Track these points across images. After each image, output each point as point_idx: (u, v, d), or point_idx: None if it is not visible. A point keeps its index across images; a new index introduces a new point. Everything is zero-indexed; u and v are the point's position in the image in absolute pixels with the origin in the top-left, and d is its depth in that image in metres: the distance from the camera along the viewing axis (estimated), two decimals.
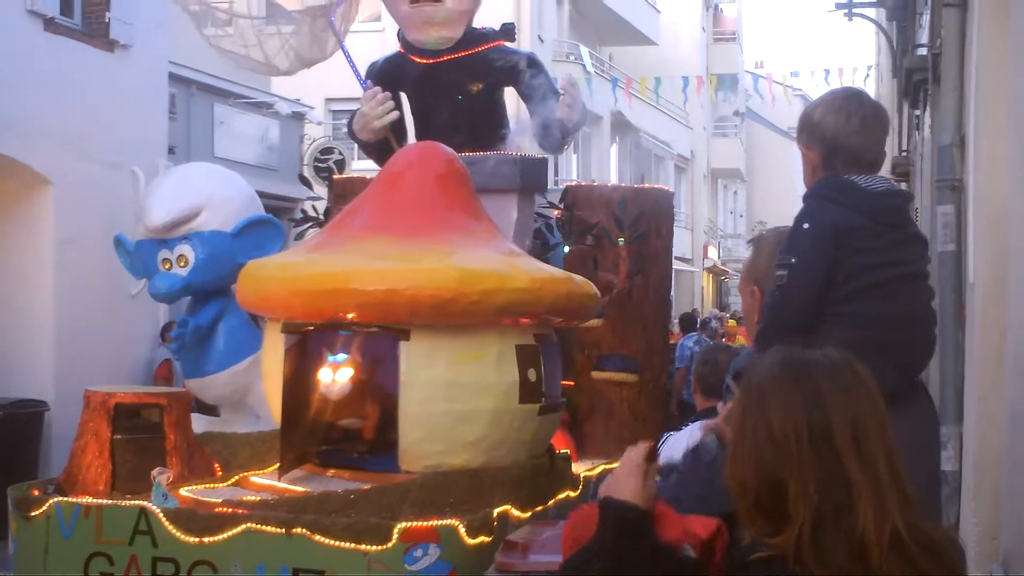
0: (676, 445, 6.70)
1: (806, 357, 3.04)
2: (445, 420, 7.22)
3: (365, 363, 7.54)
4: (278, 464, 7.67)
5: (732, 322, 33.17)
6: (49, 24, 14.27)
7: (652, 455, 3.34)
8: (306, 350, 7.57)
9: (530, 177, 8.84)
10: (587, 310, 8.01)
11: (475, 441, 7.30)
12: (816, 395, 2.94)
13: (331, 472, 7.66)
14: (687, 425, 5.29)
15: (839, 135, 5.07)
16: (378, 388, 7.60)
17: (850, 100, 5.22)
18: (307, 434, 7.68)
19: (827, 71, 34.43)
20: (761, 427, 2.96)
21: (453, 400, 7.21)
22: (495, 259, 7.35)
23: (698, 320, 25.23)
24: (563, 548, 3.39)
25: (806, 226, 4.94)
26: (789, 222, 5.20)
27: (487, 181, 8.39)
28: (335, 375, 7.40)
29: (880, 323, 4.87)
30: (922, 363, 5.27)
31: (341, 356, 7.35)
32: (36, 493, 7.90)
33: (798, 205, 5.12)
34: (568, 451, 8.61)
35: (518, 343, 7.37)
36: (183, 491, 7.54)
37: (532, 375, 7.39)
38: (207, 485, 7.78)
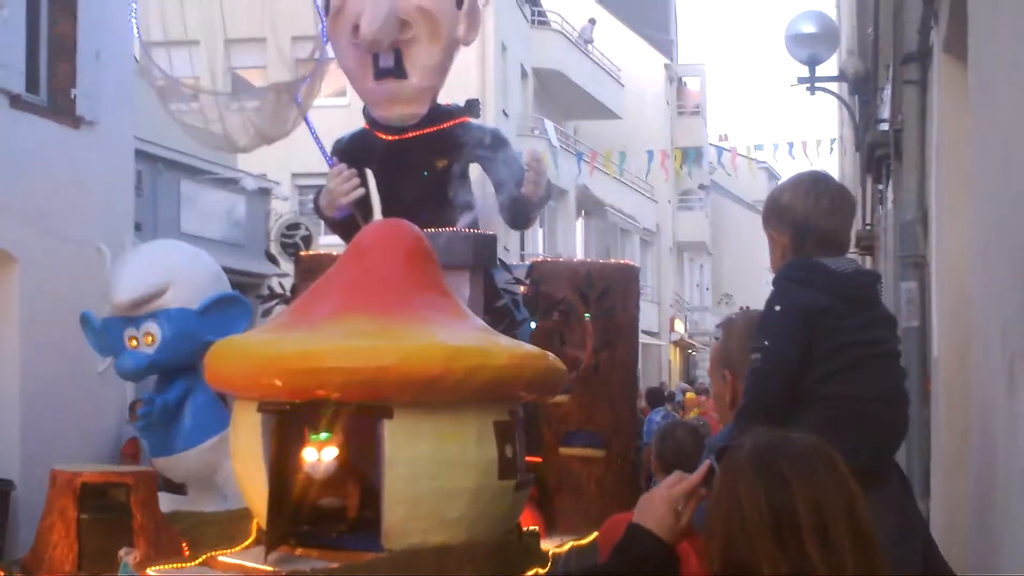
0: None
1: (774, 443, 3.07)
2: (430, 498, 7.20)
3: (346, 442, 7.51)
4: (249, 542, 7.62)
5: (691, 394, 33.19)
6: (15, 101, 14.31)
7: (707, 480, 3.33)
8: (283, 429, 7.54)
9: (482, 253, 8.87)
10: (559, 386, 8.03)
11: (458, 518, 7.27)
12: (782, 482, 2.97)
13: (299, 551, 7.61)
14: None
15: (809, 217, 5.15)
16: (355, 466, 7.56)
17: (817, 183, 5.32)
18: (292, 514, 7.64)
19: (791, 144, 34.63)
20: (733, 513, 2.99)
21: (437, 477, 7.19)
22: (476, 336, 7.37)
23: (665, 393, 25.31)
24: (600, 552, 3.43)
25: (778, 308, 5.02)
26: (755, 294, 5.36)
27: (440, 258, 8.40)
28: (320, 454, 7.36)
29: (854, 404, 4.91)
30: (896, 443, 5.32)
31: (324, 435, 7.31)
32: (2, 574, 7.83)
33: (763, 278, 5.37)
34: (537, 528, 8.59)
35: (495, 420, 7.37)
36: (150, 571, 7.48)
37: (509, 451, 7.39)
38: (174, 565, 7.73)
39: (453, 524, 7.26)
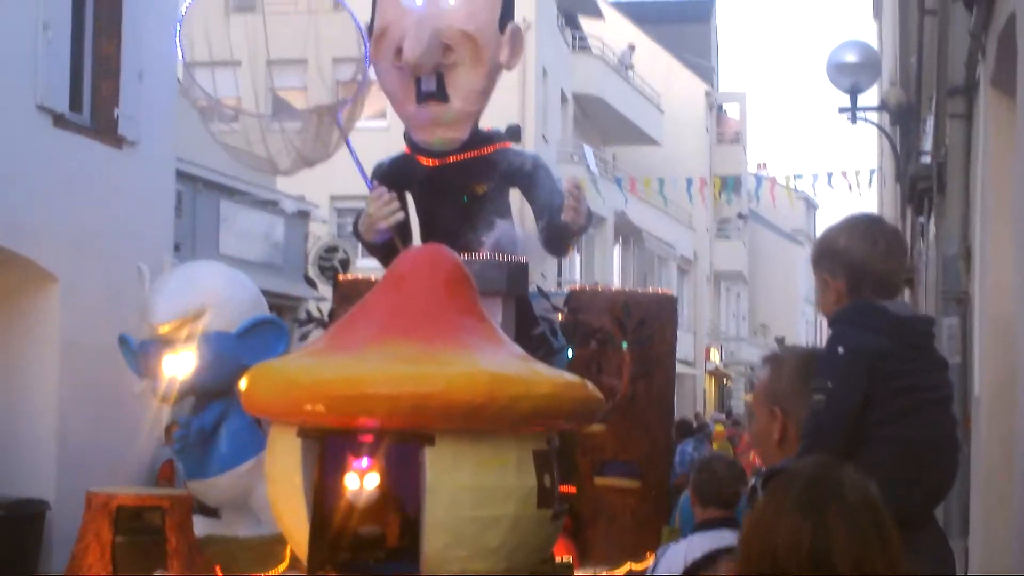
0: (674, 558, 6.66)
1: (829, 484, 3.03)
2: (471, 526, 7.17)
3: (386, 469, 7.47)
4: (283, 568, 7.60)
5: (720, 427, 33.03)
6: (58, 120, 14.37)
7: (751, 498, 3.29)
8: (325, 455, 7.50)
9: (515, 281, 8.84)
10: (597, 415, 8.00)
11: (497, 547, 7.24)
12: (826, 530, 2.93)
13: None
14: (686, 537, 5.29)
15: (866, 262, 5.18)
16: (393, 494, 7.52)
17: (872, 226, 5.36)
18: (332, 541, 7.60)
19: (830, 174, 34.55)
20: (769, 540, 2.96)
21: (478, 506, 7.15)
22: (518, 364, 7.34)
23: (694, 424, 25.15)
24: None
25: (841, 350, 5.03)
26: (791, 325, 5.48)
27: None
28: (362, 481, 7.31)
29: (912, 448, 4.96)
30: (947, 491, 5.33)
31: (366, 462, 7.25)
32: None
33: (799, 308, 5.58)
34: (570, 558, 8.55)
35: (535, 448, 7.34)
36: None
37: (547, 480, 7.36)
38: None
39: (492, 553, 7.22)
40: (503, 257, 8.83)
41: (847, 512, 2.98)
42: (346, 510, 7.39)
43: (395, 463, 7.33)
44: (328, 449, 7.46)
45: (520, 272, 8.98)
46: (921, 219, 13.89)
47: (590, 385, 7.76)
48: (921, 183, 12.07)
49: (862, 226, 5.35)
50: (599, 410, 7.93)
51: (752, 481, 4.82)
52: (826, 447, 4.83)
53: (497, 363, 7.23)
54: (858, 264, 5.19)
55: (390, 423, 7.12)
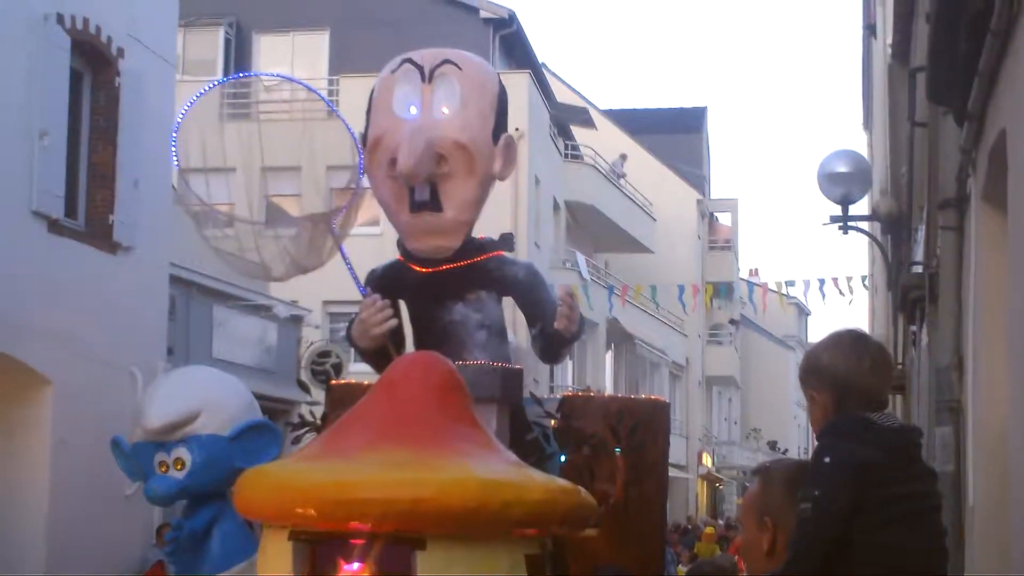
0: None
1: None
2: None
3: (377, 572, 7.46)
4: None
5: (710, 529, 33.24)
6: (53, 226, 14.46)
7: None
8: (315, 558, 7.50)
9: (510, 388, 8.83)
10: (590, 520, 7.98)
11: None
12: None
13: None
14: None
15: (850, 377, 5.29)
16: None
17: (857, 342, 5.45)
18: None
19: (822, 281, 34.65)
20: None
21: None
22: (510, 470, 7.34)
23: (689, 527, 25.22)
24: None
25: (827, 460, 5.11)
26: (782, 429, 5.69)
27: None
28: None
29: (904, 554, 5.03)
30: None
31: (356, 565, 7.26)
32: None
33: (791, 412, 5.87)
34: None
35: (527, 552, 7.33)
36: None
37: None
38: None
39: None
40: (498, 364, 8.86)
41: None
42: None
43: (387, 567, 7.32)
44: (319, 553, 7.46)
45: (515, 379, 8.99)
46: (913, 328, 13.94)
47: (583, 491, 7.76)
48: (913, 292, 12.12)
49: (847, 342, 5.46)
50: (592, 515, 7.93)
51: None
52: (813, 554, 5.00)
53: (489, 469, 7.23)
54: (843, 380, 5.29)
55: (382, 527, 7.11)
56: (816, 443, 5.35)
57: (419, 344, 9.32)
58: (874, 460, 5.08)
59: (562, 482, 7.68)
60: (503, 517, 7.05)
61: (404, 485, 7.00)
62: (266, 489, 7.58)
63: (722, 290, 50.18)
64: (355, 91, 18.91)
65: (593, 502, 7.84)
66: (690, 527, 28.96)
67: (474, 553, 7.17)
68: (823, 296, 34.62)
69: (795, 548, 5.10)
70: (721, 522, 42.34)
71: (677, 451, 49.73)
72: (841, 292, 33.70)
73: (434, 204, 9.17)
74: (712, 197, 68.75)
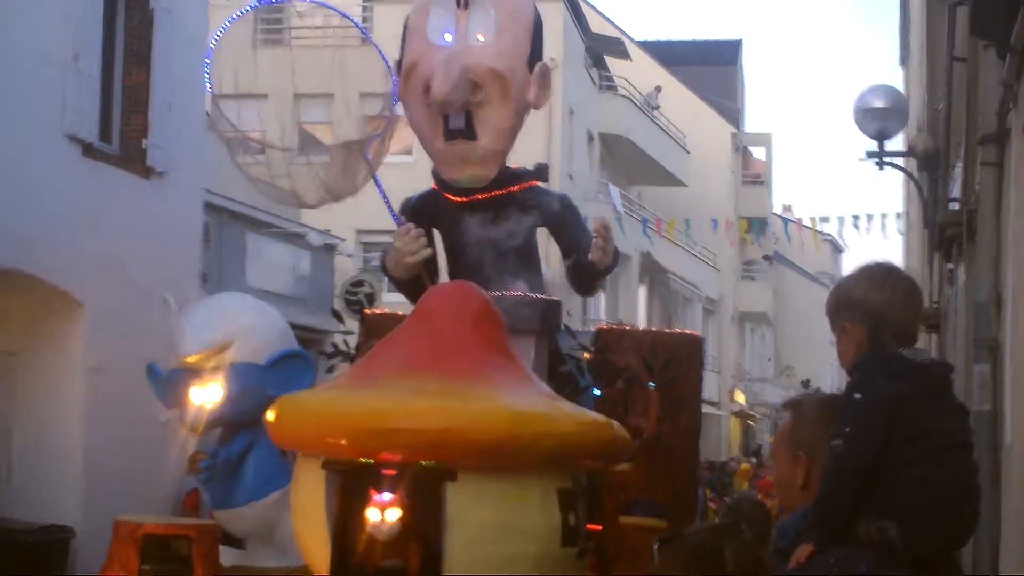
0: None
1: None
2: (492, 563, 7.14)
3: (408, 503, 7.46)
4: None
5: (746, 466, 33.29)
6: (87, 150, 14.43)
7: None
8: (347, 488, 7.50)
9: (548, 318, 8.80)
10: (623, 455, 7.98)
11: None
12: None
13: None
14: None
15: (885, 309, 5.29)
16: (417, 528, 7.50)
17: (890, 274, 5.46)
18: (353, 574, 7.59)
19: (856, 217, 34.46)
20: None
21: (500, 543, 7.13)
22: (542, 402, 7.33)
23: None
24: None
25: (858, 396, 5.15)
26: (816, 366, 5.73)
27: (506, 321, 8.38)
28: (384, 515, 7.31)
29: (932, 490, 5.03)
30: (965, 537, 5.43)
31: (388, 495, 7.26)
32: None
33: (825, 350, 5.93)
34: None
35: (559, 487, 7.32)
36: None
37: (572, 519, 7.33)
38: None
39: None
40: (536, 295, 8.83)
41: None
42: (367, 543, 7.38)
43: (419, 498, 7.32)
44: (351, 482, 7.47)
45: (553, 310, 8.96)
46: (949, 265, 13.85)
47: (616, 425, 7.74)
48: (950, 230, 12.03)
49: (879, 275, 5.45)
50: (625, 450, 7.92)
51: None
52: (845, 489, 5.07)
53: (520, 400, 7.22)
54: (877, 312, 5.29)
55: (411, 458, 7.12)
56: (847, 379, 5.34)
57: (453, 273, 9.31)
58: (904, 395, 5.11)
59: (594, 415, 7.67)
60: (533, 449, 7.04)
61: (434, 415, 6.99)
62: (297, 418, 7.60)
63: (755, 225, 49.91)
64: (389, 17, 18.84)
65: (626, 436, 7.83)
66: (723, 462, 29.07)
67: (505, 485, 7.17)
68: (858, 233, 34.45)
69: (827, 483, 5.15)
70: (754, 460, 42.39)
71: (710, 387, 49.64)
72: (873, 230, 33.49)
73: (469, 132, 9.13)
74: (746, 131, 68.46)
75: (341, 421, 7.25)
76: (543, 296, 8.90)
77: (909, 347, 5.34)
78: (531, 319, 8.57)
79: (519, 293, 8.82)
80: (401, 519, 7.28)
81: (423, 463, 7.16)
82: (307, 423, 7.51)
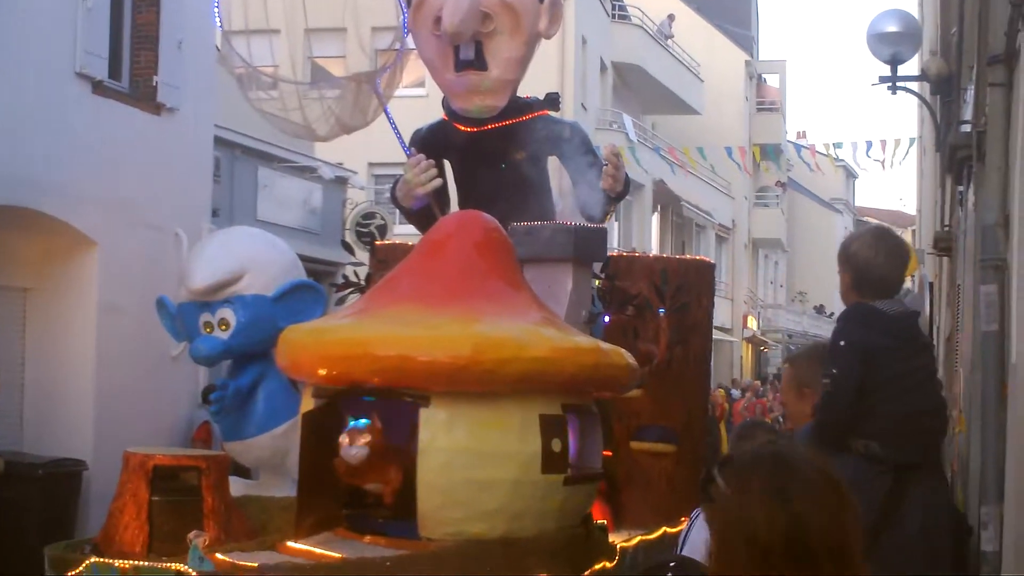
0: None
1: (789, 466, 3.04)
2: (464, 488, 7.21)
3: (387, 429, 7.54)
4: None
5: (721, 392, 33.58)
6: (97, 87, 14.42)
7: (705, 491, 3.31)
8: (335, 415, 7.59)
9: (586, 247, 8.73)
10: (618, 381, 7.96)
11: (495, 510, 7.27)
12: (798, 512, 2.95)
13: (368, 538, 7.64)
14: None
15: (868, 266, 6.77)
16: (402, 454, 7.58)
17: (879, 238, 7.02)
18: (325, 499, 7.68)
19: (869, 143, 34.26)
20: (744, 539, 2.96)
21: (472, 468, 7.20)
22: (517, 328, 7.33)
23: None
24: None
25: (842, 343, 6.67)
26: (828, 292, 7.42)
27: (543, 250, 8.39)
28: (353, 440, 7.41)
29: (906, 417, 6.54)
30: (939, 442, 7.14)
31: (362, 421, 7.36)
32: (73, 553, 7.93)
33: (836, 277, 7.04)
34: (605, 521, 8.57)
35: (542, 412, 7.35)
36: (219, 554, 7.53)
37: (556, 445, 7.35)
38: (244, 549, 7.77)
39: (490, 516, 7.25)
40: (571, 223, 8.78)
41: (813, 490, 3.00)
42: (338, 468, 7.47)
43: (399, 424, 7.40)
44: (325, 409, 7.59)
45: (593, 237, 8.88)
46: (960, 188, 13.83)
47: (607, 350, 7.76)
48: (960, 152, 11.98)
49: (869, 236, 7.07)
50: (620, 377, 7.92)
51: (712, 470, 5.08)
52: (834, 419, 6.59)
53: (493, 326, 7.26)
54: (861, 266, 6.76)
55: (385, 384, 7.24)
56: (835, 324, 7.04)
57: (464, 204, 9.34)
58: (878, 346, 6.55)
59: (579, 340, 7.66)
60: (499, 374, 7.09)
61: (395, 342, 7.12)
62: (291, 346, 7.74)
63: (769, 151, 49.76)
64: None
65: (622, 362, 7.84)
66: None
67: (480, 411, 7.23)
68: (871, 158, 34.30)
69: (822, 412, 6.69)
70: (762, 384, 42.51)
71: (722, 314, 49.73)
72: (886, 155, 33.34)
73: (479, 62, 9.15)
74: (760, 59, 68.12)
75: (319, 349, 7.45)
76: (587, 224, 8.87)
77: (889, 297, 6.77)
78: (566, 247, 8.53)
79: (557, 222, 8.82)
80: (378, 445, 7.38)
81: (398, 389, 7.27)
82: (297, 352, 7.66)
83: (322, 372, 7.51)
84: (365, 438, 7.36)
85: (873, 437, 6.54)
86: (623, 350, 7.97)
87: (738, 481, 3.06)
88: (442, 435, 7.22)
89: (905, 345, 6.65)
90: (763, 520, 2.95)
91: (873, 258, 6.74)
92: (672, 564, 3.67)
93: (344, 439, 7.39)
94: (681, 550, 6.00)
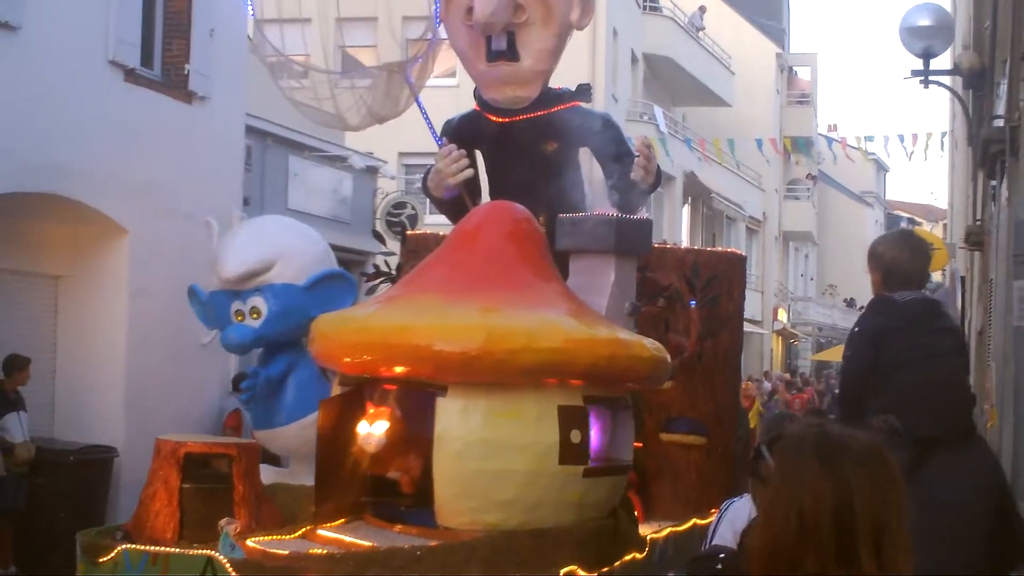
0: (738, 513, 6.71)
1: (837, 440, 3.05)
2: (478, 478, 7.23)
3: (407, 417, 7.56)
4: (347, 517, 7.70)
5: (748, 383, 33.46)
6: (129, 75, 14.44)
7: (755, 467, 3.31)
8: (358, 403, 7.62)
9: (628, 239, 8.69)
10: (638, 373, 7.93)
11: (509, 501, 7.28)
12: (846, 485, 2.96)
13: (398, 527, 7.66)
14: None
15: (895, 264, 7.22)
16: (422, 442, 7.60)
17: (903, 240, 7.59)
18: (344, 486, 7.71)
19: (901, 136, 34.16)
20: (792, 513, 2.97)
21: (486, 458, 7.21)
22: (534, 318, 7.33)
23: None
24: None
25: (856, 329, 7.41)
26: (858, 285, 7.75)
27: (587, 242, 8.39)
28: (371, 428, 7.44)
29: (923, 389, 6.95)
30: (960, 413, 7.21)
31: (377, 409, 7.41)
32: (105, 539, 7.97)
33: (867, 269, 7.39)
34: (635, 512, 8.57)
35: (561, 404, 7.34)
36: (250, 542, 7.56)
37: (576, 436, 7.34)
38: (274, 536, 7.80)
39: (505, 506, 7.25)
40: (613, 214, 8.74)
41: (862, 465, 3.01)
42: (356, 456, 7.50)
43: (424, 413, 7.42)
44: (347, 398, 7.63)
45: (637, 229, 8.84)
46: (993, 182, 13.78)
47: (627, 341, 7.74)
48: (993, 146, 11.94)
49: (895, 237, 7.79)
50: (641, 368, 7.89)
51: (759, 446, 5.61)
52: (850, 393, 7.31)
53: (508, 317, 7.27)
54: (889, 265, 7.22)
55: (396, 372, 7.28)
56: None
57: (495, 194, 9.33)
58: (886, 328, 7.08)
59: (598, 332, 7.64)
60: (510, 365, 7.10)
61: (409, 332, 7.14)
62: (320, 335, 7.77)
63: (800, 144, 49.58)
64: None
65: (645, 354, 7.82)
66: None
67: (496, 402, 7.24)
68: (903, 152, 34.18)
69: (840, 389, 7.73)
70: (790, 376, 42.40)
71: (752, 306, 49.61)
72: (918, 149, 33.21)
73: (511, 53, 9.14)
74: (791, 51, 67.89)
75: (343, 338, 7.54)
76: (627, 216, 8.84)
77: (915, 290, 7.26)
78: (607, 239, 8.50)
79: (600, 213, 8.80)
80: (397, 433, 7.40)
81: (417, 379, 7.30)
82: (326, 341, 7.71)
83: (346, 360, 7.55)
84: (381, 426, 7.41)
85: (890, 410, 6.89)
86: (648, 341, 7.96)
87: (787, 457, 3.08)
88: (457, 424, 7.23)
89: (913, 326, 7.08)
90: (811, 494, 2.96)
91: (899, 256, 7.21)
92: (722, 556, 3.69)
93: (362, 426, 7.43)
94: (710, 542, 5.99)
